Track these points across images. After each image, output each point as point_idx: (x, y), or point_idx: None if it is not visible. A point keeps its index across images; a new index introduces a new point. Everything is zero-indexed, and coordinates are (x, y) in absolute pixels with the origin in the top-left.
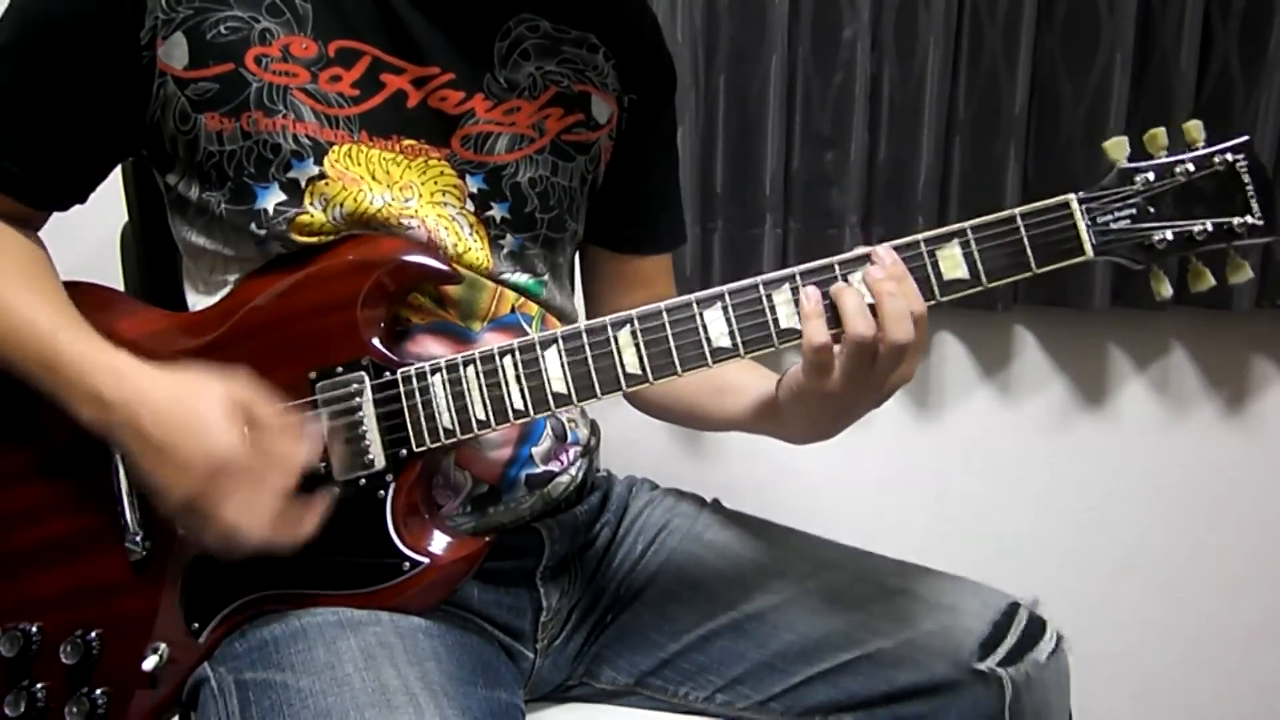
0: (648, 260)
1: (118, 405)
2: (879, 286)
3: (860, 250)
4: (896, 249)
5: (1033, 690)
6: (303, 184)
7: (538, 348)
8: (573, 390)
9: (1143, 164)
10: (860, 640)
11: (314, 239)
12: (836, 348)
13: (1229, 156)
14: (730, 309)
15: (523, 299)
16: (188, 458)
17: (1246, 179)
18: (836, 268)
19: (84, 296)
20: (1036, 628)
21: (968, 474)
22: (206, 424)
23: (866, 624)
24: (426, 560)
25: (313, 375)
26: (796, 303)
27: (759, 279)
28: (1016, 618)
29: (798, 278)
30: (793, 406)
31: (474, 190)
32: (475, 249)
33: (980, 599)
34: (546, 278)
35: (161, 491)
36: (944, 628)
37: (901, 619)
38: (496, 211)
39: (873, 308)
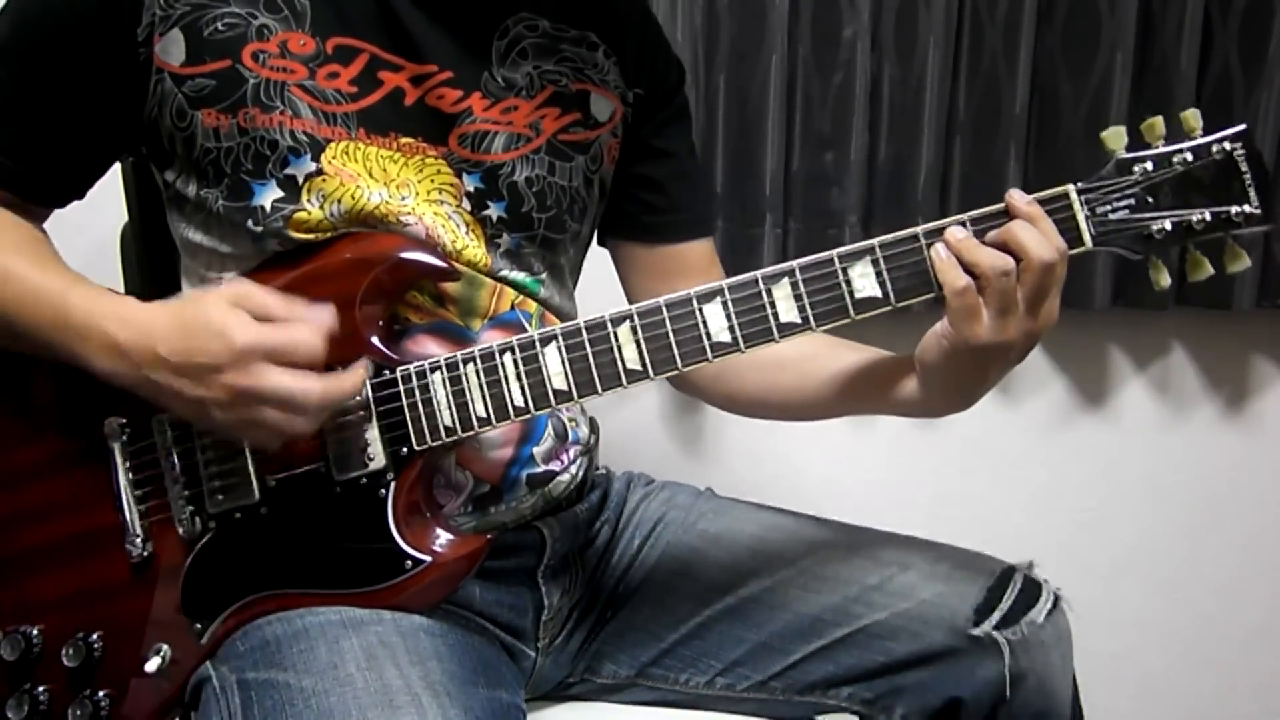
0: (682, 247)
1: (132, 346)
2: (1010, 227)
3: (991, 206)
4: (895, 241)
5: (1031, 652)
6: (300, 180)
7: (538, 344)
8: (573, 386)
9: (1141, 154)
10: (856, 614)
11: (311, 236)
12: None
13: (1226, 145)
14: (730, 303)
15: (522, 296)
16: (212, 359)
17: (1244, 167)
18: (836, 260)
19: None
20: (1032, 590)
21: (967, 474)
22: (214, 322)
23: (861, 598)
24: (428, 558)
25: None
26: (797, 297)
27: (758, 273)
28: (1011, 581)
29: (797, 272)
30: (941, 367)
31: (470, 189)
32: (473, 246)
33: (973, 566)
34: (544, 277)
35: (208, 407)
36: (938, 596)
37: (896, 590)
38: (493, 211)
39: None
